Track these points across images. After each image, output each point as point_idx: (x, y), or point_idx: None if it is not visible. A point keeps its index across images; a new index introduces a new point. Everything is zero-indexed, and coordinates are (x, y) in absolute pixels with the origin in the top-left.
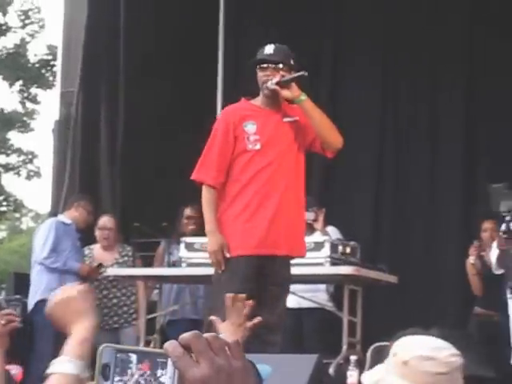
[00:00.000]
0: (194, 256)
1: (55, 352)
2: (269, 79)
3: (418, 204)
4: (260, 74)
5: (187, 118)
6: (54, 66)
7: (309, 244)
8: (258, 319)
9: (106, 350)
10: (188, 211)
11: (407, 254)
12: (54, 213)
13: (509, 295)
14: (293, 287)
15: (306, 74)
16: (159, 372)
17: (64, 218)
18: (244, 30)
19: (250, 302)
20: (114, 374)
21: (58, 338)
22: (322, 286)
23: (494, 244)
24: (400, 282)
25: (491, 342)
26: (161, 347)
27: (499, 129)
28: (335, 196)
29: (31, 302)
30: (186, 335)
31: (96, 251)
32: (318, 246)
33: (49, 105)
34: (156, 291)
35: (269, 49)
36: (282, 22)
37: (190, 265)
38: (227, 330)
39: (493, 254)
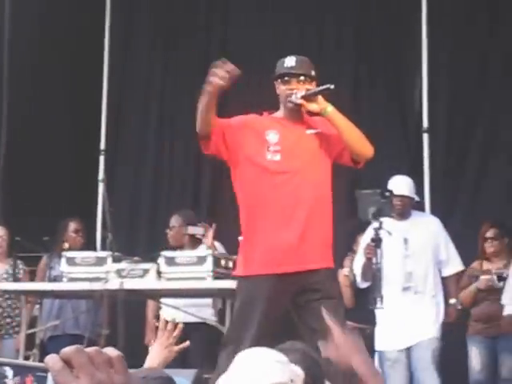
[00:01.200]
0: (75, 271)
1: None
2: (292, 93)
3: None
4: (282, 88)
5: (73, 131)
6: None
7: (191, 258)
8: (186, 343)
9: None
10: (74, 225)
11: None
12: None
13: (375, 306)
14: (177, 302)
15: (333, 86)
16: None
17: None
18: (129, 37)
19: (180, 325)
20: None
21: None
22: (208, 301)
23: (358, 256)
24: None
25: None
26: (40, 362)
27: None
28: (224, 210)
29: None
30: (67, 349)
31: None
32: (201, 260)
33: None
34: (37, 306)
35: (290, 61)
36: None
37: (72, 279)
38: (154, 351)
39: (357, 267)
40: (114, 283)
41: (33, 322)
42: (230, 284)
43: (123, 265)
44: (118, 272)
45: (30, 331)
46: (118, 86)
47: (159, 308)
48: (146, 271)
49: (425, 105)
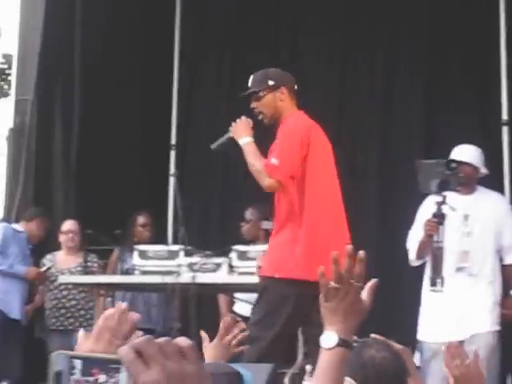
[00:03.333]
0: (147, 264)
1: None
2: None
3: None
4: None
5: (144, 128)
6: (9, 74)
7: (262, 252)
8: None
9: (60, 356)
10: (142, 219)
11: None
12: (6, 222)
13: (434, 288)
14: (246, 296)
15: (231, 134)
16: (112, 379)
17: (17, 225)
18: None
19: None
20: (68, 382)
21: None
22: None
23: (414, 231)
24: None
25: None
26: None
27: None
28: None
29: None
30: (138, 340)
31: (59, 257)
32: None
33: (4, 113)
34: (109, 299)
35: (249, 81)
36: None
37: (144, 273)
38: (212, 348)
39: (412, 243)
40: (186, 277)
41: None
42: None
43: (195, 259)
44: (190, 266)
45: None
46: (189, 83)
47: (233, 303)
48: (218, 265)
49: (504, 96)
